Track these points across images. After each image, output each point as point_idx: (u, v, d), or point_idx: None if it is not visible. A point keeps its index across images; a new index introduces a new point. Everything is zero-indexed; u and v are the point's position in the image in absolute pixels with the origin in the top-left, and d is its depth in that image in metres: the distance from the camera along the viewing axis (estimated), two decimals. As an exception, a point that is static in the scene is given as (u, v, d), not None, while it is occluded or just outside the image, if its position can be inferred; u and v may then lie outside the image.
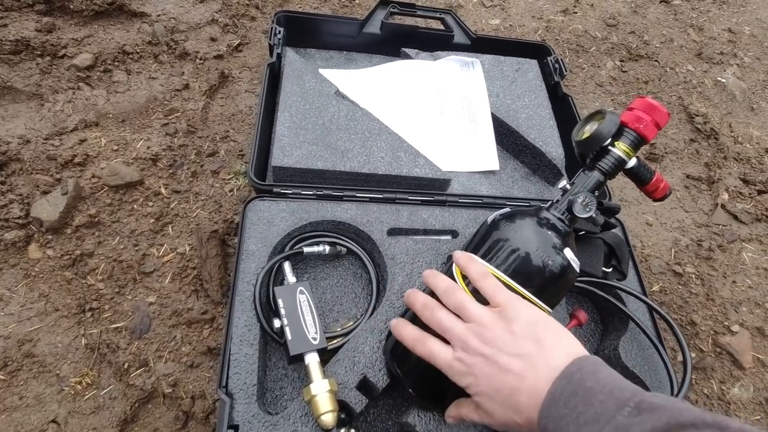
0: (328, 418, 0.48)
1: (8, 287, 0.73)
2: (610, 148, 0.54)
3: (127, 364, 0.69)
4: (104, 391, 0.67)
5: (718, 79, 1.26)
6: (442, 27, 0.97)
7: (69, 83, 0.95)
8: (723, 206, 1.00)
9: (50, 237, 0.77)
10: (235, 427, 0.49)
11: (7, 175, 0.81)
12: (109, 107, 0.94)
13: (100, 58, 1.00)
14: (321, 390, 0.49)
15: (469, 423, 0.50)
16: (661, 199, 0.60)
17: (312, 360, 0.52)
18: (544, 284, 0.49)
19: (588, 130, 0.55)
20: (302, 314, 0.54)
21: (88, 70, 0.98)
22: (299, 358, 0.52)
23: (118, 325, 0.72)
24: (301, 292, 0.55)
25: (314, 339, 0.53)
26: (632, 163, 0.55)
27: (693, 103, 1.19)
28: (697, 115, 1.15)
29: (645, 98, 0.53)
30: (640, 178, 0.57)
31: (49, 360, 0.68)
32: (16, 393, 0.66)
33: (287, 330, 0.52)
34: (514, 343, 0.41)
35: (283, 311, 0.54)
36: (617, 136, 0.54)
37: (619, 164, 0.54)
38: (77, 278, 0.75)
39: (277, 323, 0.54)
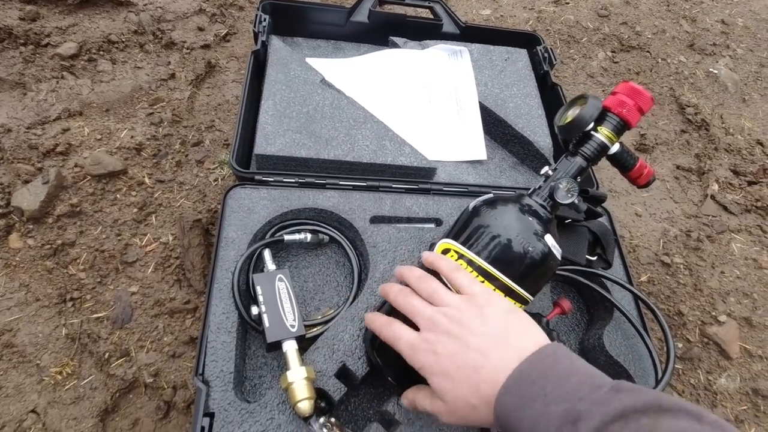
0: (305, 406, 0.47)
1: (-11, 277, 0.72)
2: (592, 133, 0.53)
3: (108, 354, 0.68)
4: (85, 381, 0.66)
5: (711, 70, 1.26)
6: (431, 16, 0.96)
7: (53, 72, 0.94)
8: (713, 197, 0.99)
9: (31, 226, 0.76)
10: (211, 415, 0.48)
11: (-12, 165, 0.80)
12: (93, 96, 0.93)
13: (84, 47, 0.98)
14: (298, 377, 0.48)
15: (420, 412, 0.48)
16: (645, 186, 0.60)
17: (290, 347, 0.51)
18: (524, 271, 0.49)
19: (570, 114, 0.54)
20: (281, 302, 0.53)
21: (73, 59, 0.97)
22: (277, 346, 0.52)
23: (100, 315, 0.71)
24: (281, 280, 0.55)
25: (292, 326, 0.52)
26: (615, 148, 0.55)
27: (684, 94, 1.18)
28: (689, 106, 1.14)
29: (628, 83, 0.52)
30: (623, 164, 0.57)
31: (29, 350, 0.68)
32: (-5, 383, 0.65)
33: (265, 317, 0.52)
34: (483, 325, 0.40)
35: (261, 298, 0.53)
36: (600, 121, 0.53)
37: (602, 150, 0.53)
38: (58, 268, 0.74)
39: (255, 310, 0.54)
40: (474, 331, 0.40)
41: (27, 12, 0.98)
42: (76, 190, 0.80)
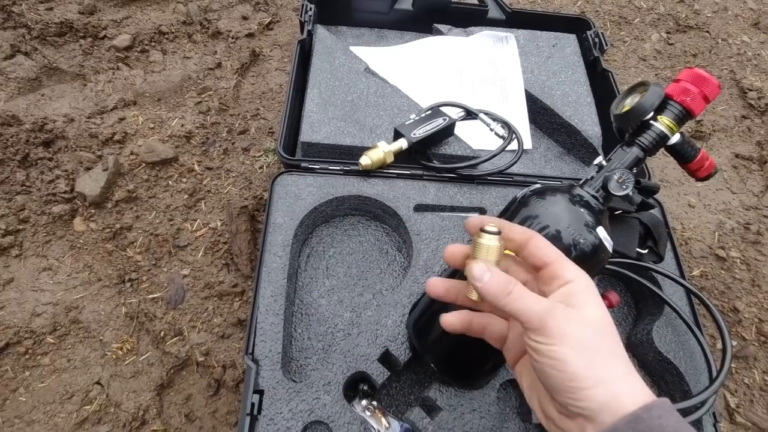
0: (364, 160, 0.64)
1: (56, 257, 0.77)
2: (651, 122, 0.50)
3: (163, 333, 0.72)
4: (143, 357, 0.71)
5: (777, 51, 1.17)
6: (475, 1, 0.94)
7: (109, 64, 0.99)
8: (775, 188, 0.93)
9: (93, 211, 0.81)
10: (261, 392, 0.51)
11: (54, 152, 0.85)
12: (146, 86, 0.97)
13: (137, 38, 1.02)
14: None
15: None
16: (706, 179, 0.56)
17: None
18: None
19: (629, 102, 0.51)
20: None
21: (127, 51, 1.01)
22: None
23: (155, 295, 0.75)
24: None
25: None
26: (675, 139, 0.52)
27: (747, 77, 1.10)
28: (751, 90, 1.07)
29: (693, 69, 0.50)
30: (684, 155, 0.54)
31: (93, 326, 0.73)
32: (64, 356, 0.70)
33: None
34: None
35: None
36: (660, 109, 0.50)
37: (661, 140, 0.51)
38: (117, 250, 0.78)
39: None
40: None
41: (85, 6, 1.03)
42: (132, 177, 0.84)
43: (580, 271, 0.35)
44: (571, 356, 0.30)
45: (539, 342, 0.32)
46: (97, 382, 0.69)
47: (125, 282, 0.76)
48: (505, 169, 0.70)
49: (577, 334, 0.31)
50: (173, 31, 1.05)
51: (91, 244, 0.79)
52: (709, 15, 1.23)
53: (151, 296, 0.75)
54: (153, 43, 1.03)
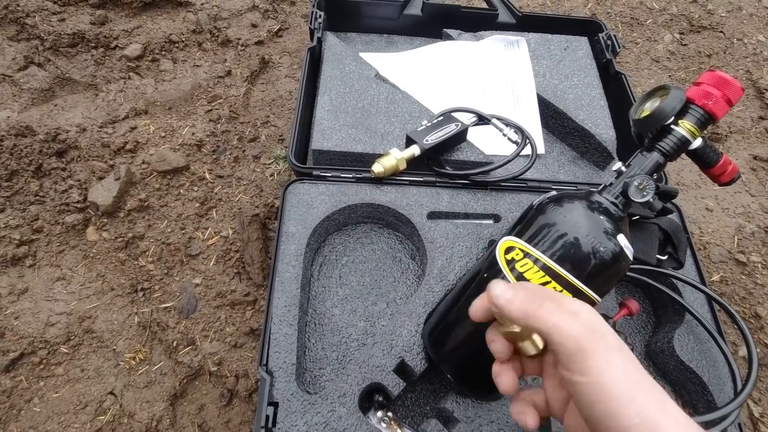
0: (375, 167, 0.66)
1: (70, 267, 0.78)
2: (672, 126, 0.49)
3: (175, 342, 0.72)
4: (155, 367, 0.71)
5: (794, 51, 1.15)
6: (485, 5, 0.93)
7: (120, 73, 1.00)
8: (796, 191, 0.91)
9: (105, 220, 0.81)
10: (275, 404, 0.50)
11: (67, 162, 0.86)
12: (156, 95, 0.97)
13: (148, 47, 1.03)
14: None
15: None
16: (729, 184, 0.55)
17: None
18: (593, 272, 0.46)
19: (648, 107, 0.50)
20: None
21: (138, 60, 1.02)
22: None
23: (167, 304, 0.75)
24: None
25: None
26: (697, 143, 0.51)
27: (763, 77, 1.08)
28: (768, 91, 1.05)
29: (715, 71, 0.48)
30: (706, 160, 0.52)
31: (107, 336, 0.73)
32: (78, 366, 0.70)
33: None
34: None
35: None
36: (681, 113, 0.49)
37: (683, 145, 0.50)
38: (130, 259, 0.78)
39: None
40: None
41: (97, 17, 1.04)
42: (143, 186, 0.84)
43: (582, 303, 0.32)
44: (613, 389, 0.28)
45: (574, 372, 0.29)
46: (111, 392, 0.69)
47: (138, 291, 0.76)
48: (519, 175, 0.69)
49: (614, 363, 0.29)
50: (183, 39, 1.06)
51: (103, 253, 0.79)
52: (723, 15, 1.21)
53: (163, 305, 0.75)
54: (163, 52, 1.04)
